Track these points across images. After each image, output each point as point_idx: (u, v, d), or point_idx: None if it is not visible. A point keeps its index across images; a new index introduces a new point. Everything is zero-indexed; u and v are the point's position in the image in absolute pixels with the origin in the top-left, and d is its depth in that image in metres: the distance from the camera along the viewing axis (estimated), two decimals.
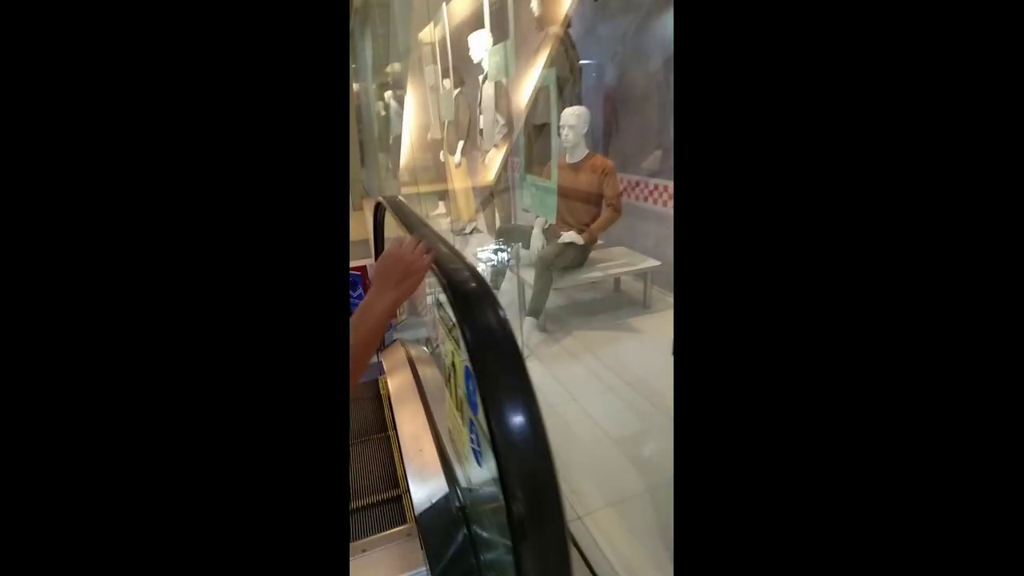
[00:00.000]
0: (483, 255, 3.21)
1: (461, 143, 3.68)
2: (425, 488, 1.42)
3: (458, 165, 3.81)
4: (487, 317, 0.58)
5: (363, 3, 4.31)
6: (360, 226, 3.30)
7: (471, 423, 0.81)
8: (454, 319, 0.77)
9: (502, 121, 2.93)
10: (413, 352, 2.19)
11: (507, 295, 2.62)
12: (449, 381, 0.93)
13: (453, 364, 0.87)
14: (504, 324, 0.56)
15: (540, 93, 2.39)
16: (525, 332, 2.43)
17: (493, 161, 3.07)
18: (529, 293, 2.51)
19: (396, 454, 1.76)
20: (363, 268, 2.60)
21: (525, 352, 2.18)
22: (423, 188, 4.75)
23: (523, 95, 2.66)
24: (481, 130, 3.11)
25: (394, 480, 1.62)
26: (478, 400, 0.65)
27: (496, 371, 0.52)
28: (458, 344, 0.82)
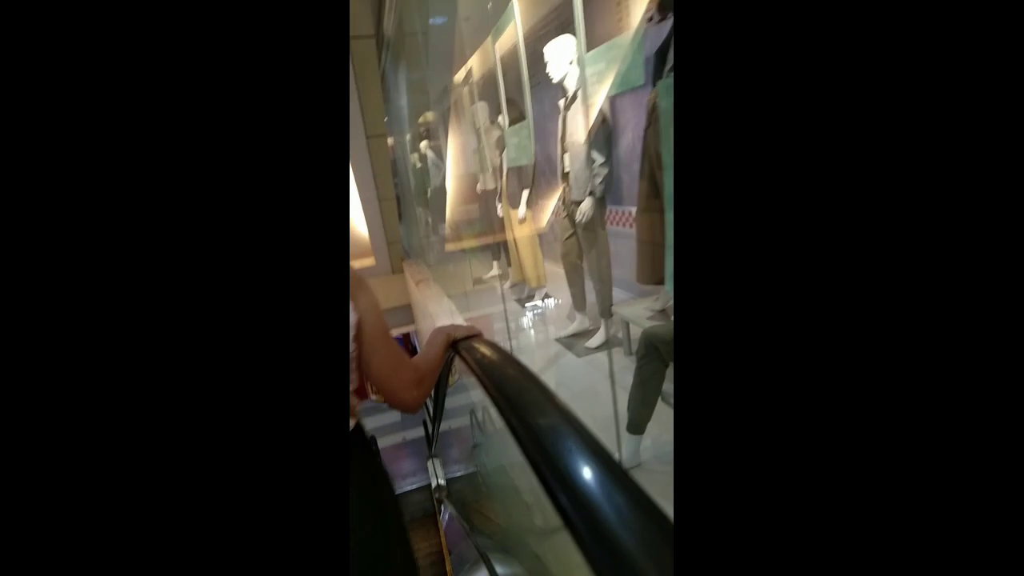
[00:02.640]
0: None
1: (526, 192, 2.84)
2: None
3: (523, 220, 2.96)
4: None
5: (396, 35, 3.59)
6: (402, 288, 3.22)
7: None
8: None
9: (600, 159, 2.05)
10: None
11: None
12: None
13: None
14: None
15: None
16: (626, 459, 1.57)
17: (582, 214, 2.18)
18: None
19: None
20: (406, 335, 2.12)
21: None
22: (470, 243, 4.07)
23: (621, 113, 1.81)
24: (566, 174, 2.24)
25: None
26: None
27: None
28: None
